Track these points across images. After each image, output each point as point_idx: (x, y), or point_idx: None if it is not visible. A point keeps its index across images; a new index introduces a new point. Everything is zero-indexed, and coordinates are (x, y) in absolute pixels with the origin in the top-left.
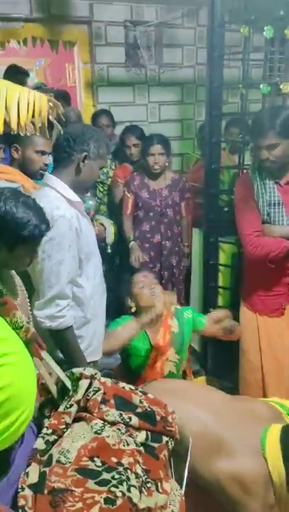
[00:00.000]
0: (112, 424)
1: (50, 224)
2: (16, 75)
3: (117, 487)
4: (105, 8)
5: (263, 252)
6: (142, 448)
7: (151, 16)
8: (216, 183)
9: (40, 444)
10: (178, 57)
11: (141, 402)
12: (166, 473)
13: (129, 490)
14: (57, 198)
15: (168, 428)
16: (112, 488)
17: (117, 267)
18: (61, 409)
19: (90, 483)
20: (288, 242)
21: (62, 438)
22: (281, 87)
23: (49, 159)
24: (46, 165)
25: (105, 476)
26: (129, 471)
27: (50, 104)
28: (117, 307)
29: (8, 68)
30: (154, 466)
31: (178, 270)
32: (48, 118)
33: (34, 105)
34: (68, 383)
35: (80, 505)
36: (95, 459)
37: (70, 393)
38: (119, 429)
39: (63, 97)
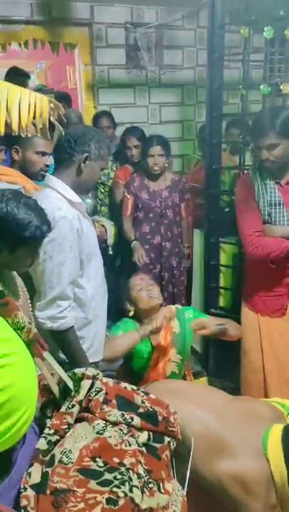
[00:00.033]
0: (114, 424)
1: (52, 225)
2: (17, 77)
3: (119, 487)
4: (106, 10)
5: (264, 253)
6: (144, 448)
7: (151, 17)
8: (217, 184)
9: (42, 444)
10: (178, 59)
11: (143, 402)
12: (168, 474)
13: (131, 490)
14: (58, 199)
15: (170, 428)
16: (114, 489)
17: (118, 268)
18: (63, 409)
19: (92, 484)
20: None
21: (64, 438)
22: (281, 87)
23: (50, 160)
24: (47, 166)
25: (107, 476)
26: (131, 471)
27: (51, 105)
28: (118, 308)
29: (9, 71)
30: (156, 466)
31: (178, 271)
32: (49, 119)
33: (35, 106)
34: (70, 383)
35: (82, 505)
36: (97, 459)
37: (72, 393)
38: (121, 429)
39: (64, 98)
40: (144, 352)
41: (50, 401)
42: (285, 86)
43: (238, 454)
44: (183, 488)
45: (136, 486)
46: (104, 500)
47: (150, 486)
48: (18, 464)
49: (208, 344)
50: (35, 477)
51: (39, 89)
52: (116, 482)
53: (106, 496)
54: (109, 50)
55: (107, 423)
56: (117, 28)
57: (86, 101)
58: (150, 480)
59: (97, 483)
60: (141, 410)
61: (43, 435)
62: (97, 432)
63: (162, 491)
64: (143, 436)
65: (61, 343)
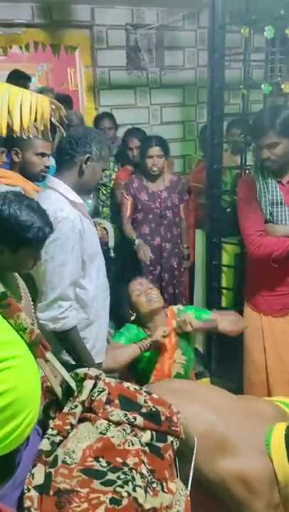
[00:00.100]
0: (117, 424)
1: (54, 225)
2: (19, 80)
3: (123, 487)
4: (106, 12)
5: (266, 252)
6: (147, 448)
7: (152, 18)
8: (219, 184)
9: (45, 445)
10: (179, 60)
11: (145, 402)
12: (172, 473)
13: (134, 490)
14: (60, 200)
15: (173, 428)
16: (118, 489)
17: (120, 270)
18: (66, 410)
19: (96, 484)
20: None
21: (67, 439)
22: (282, 87)
23: (49, 161)
24: (47, 167)
25: (111, 476)
26: (134, 471)
27: (53, 106)
28: (119, 309)
29: (11, 73)
30: (160, 466)
31: (178, 272)
32: (51, 120)
33: (36, 108)
34: (73, 384)
35: (85, 505)
36: (100, 459)
37: (75, 394)
38: (124, 429)
39: (65, 100)
40: (149, 354)
41: (53, 401)
42: (286, 85)
43: (241, 453)
44: (186, 487)
45: (139, 486)
46: (107, 500)
47: (153, 485)
48: (22, 465)
49: (210, 344)
50: (39, 478)
51: (40, 91)
52: (119, 482)
53: (109, 495)
54: (109, 51)
55: (110, 423)
56: (117, 29)
57: (87, 103)
58: (153, 480)
59: (101, 483)
60: (144, 410)
61: (46, 436)
62: (100, 432)
63: (166, 490)
64: (146, 436)
65: (65, 344)
